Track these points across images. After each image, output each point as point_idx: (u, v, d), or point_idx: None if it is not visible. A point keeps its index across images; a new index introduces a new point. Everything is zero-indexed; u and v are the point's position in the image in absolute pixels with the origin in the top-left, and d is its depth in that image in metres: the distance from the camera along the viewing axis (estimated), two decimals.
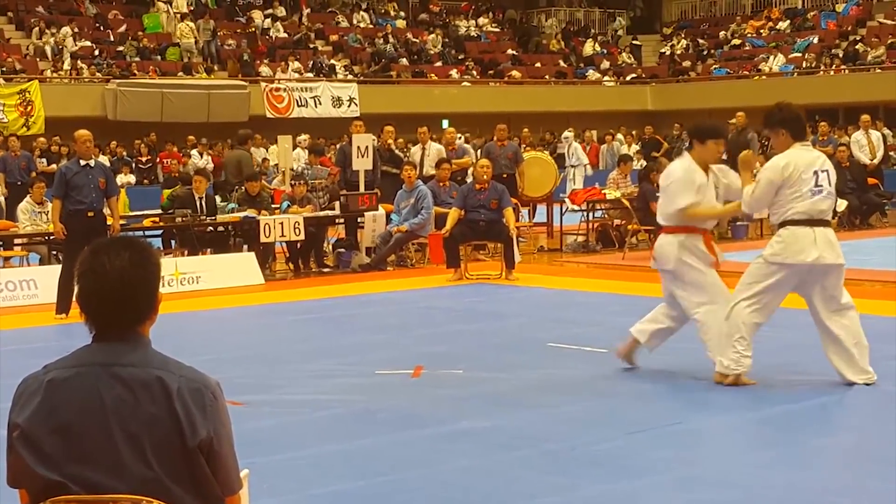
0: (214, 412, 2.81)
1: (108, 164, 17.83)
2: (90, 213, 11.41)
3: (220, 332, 10.60)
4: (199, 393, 2.81)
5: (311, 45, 32.94)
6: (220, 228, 15.01)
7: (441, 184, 15.97)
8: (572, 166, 25.57)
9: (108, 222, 11.85)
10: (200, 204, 14.76)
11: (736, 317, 7.44)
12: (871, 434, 6.59)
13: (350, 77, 31.33)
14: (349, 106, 28.99)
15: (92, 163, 11.70)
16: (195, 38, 30.62)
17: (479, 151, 20.50)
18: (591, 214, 17.55)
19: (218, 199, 15.96)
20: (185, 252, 14.40)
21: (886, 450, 6.11)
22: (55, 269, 12.06)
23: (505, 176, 16.98)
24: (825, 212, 7.41)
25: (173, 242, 14.90)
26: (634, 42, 39.56)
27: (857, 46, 32.50)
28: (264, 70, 30.52)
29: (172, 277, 13.24)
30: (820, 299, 7.41)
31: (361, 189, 15.71)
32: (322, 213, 15.58)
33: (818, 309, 7.43)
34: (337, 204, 15.71)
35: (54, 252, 14.00)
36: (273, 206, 15.65)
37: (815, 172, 7.32)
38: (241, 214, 14.85)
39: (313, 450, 6.34)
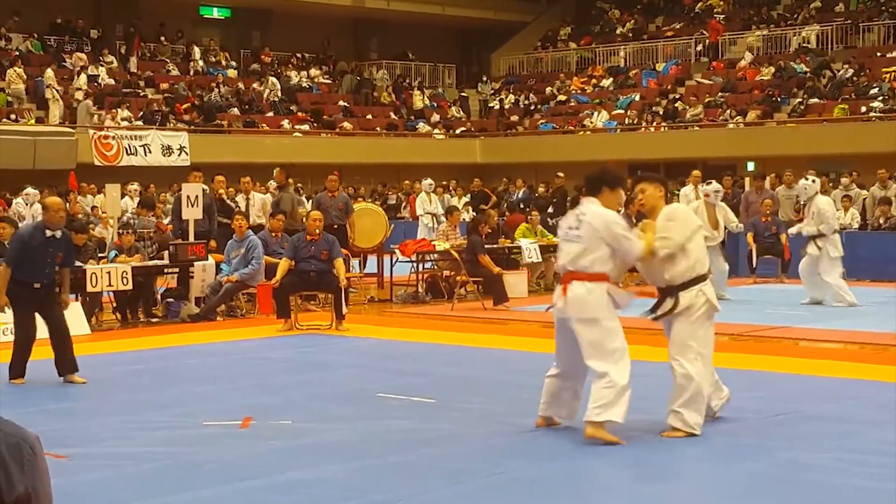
0: (33, 467, 2.79)
1: None
2: (37, 286, 10.29)
3: (44, 384, 10.35)
4: (18, 448, 2.78)
5: (142, 93, 32.55)
6: None
7: (273, 234, 15.98)
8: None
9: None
10: None
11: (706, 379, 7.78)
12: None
13: (180, 126, 31.02)
14: (179, 155, 28.65)
15: (58, 234, 10.39)
16: (24, 83, 29.97)
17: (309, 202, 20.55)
18: (420, 265, 17.76)
19: None
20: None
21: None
22: None
23: (335, 226, 17.07)
24: None
25: None
26: (463, 95, 40.29)
27: (676, 104, 33.72)
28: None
29: None
30: None
31: (191, 238, 15.60)
32: (151, 263, 15.40)
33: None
34: (166, 253, 15.55)
35: None
36: (100, 255, 15.40)
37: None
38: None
39: None
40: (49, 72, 30.37)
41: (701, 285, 7.77)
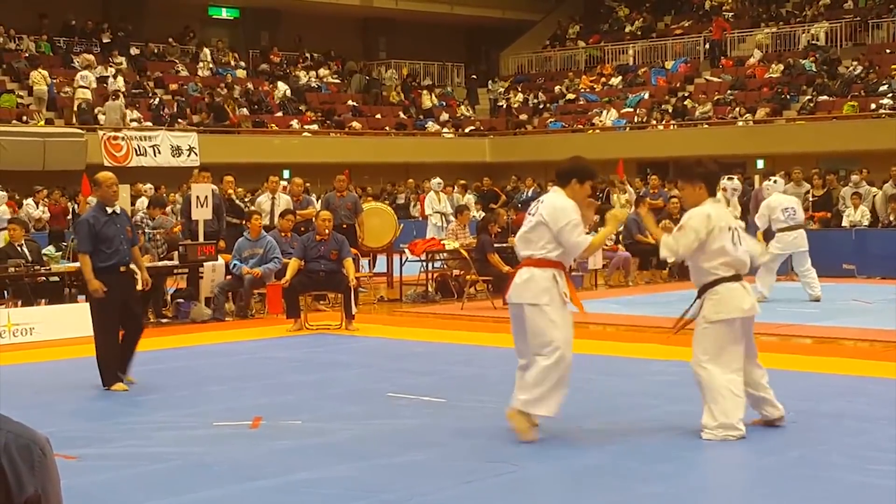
0: (42, 468, 2.79)
1: None
2: (122, 269, 9.99)
3: (55, 384, 10.38)
4: (28, 449, 2.78)
5: (151, 94, 32.60)
6: (55, 278, 14.71)
7: (283, 234, 15.99)
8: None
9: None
10: (22, 252, 14.47)
11: (720, 381, 7.51)
12: (697, 479, 6.84)
13: (189, 126, 31.07)
14: (189, 155, 28.73)
15: (118, 209, 10.17)
16: (47, 85, 30.13)
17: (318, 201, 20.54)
18: (430, 265, 17.75)
19: (52, 248, 15.64)
20: (19, 303, 14.07)
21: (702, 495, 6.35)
22: None
23: (345, 226, 17.07)
24: (743, 266, 7.74)
25: (6, 293, 14.55)
26: (473, 77, 40.38)
27: (685, 102, 33.68)
28: (103, 118, 30.06)
29: (5, 329, 12.92)
30: (748, 347, 7.70)
31: (201, 239, 15.61)
32: (160, 263, 15.42)
33: (745, 356, 7.67)
34: (176, 254, 15.57)
35: None
36: None
37: (731, 229, 7.64)
38: (77, 264, 14.56)
39: None
40: (89, 75, 30.64)
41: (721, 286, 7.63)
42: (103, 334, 10.04)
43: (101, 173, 10.41)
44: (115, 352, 10.01)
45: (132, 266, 10.32)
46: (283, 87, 35.70)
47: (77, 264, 14.48)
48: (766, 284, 16.25)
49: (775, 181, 17.31)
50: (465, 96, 40.49)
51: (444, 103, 39.11)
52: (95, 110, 30.10)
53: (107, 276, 9.87)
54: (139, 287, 10.53)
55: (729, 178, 17.53)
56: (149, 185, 25.13)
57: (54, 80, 30.82)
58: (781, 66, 33.37)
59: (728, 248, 7.55)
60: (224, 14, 39.31)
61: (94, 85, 30.85)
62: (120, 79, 31.90)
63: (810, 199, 21.75)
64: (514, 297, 7.64)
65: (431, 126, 37.02)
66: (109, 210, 10.02)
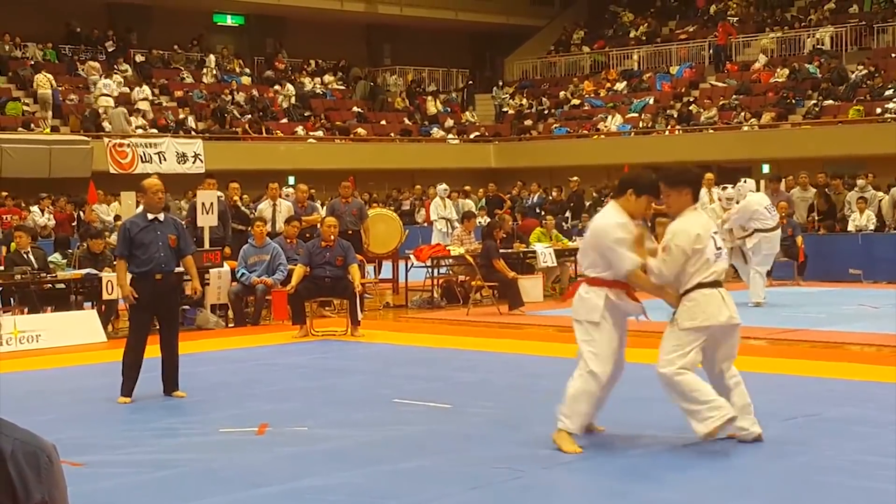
0: (49, 475, 2.79)
1: None
2: (158, 276, 9.85)
3: (61, 391, 10.39)
4: (35, 456, 2.79)
5: (157, 101, 32.66)
6: (61, 286, 14.73)
7: (288, 240, 16.00)
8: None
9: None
10: (29, 259, 14.49)
11: (680, 384, 7.45)
12: (709, 487, 6.83)
13: (194, 133, 31.12)
14: (194, 162, 28.77)
15: (161, 217, 10.02)
16: (52, 88, 30.20)
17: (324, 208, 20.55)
18: (435, 271, 17.76)
19: (58, 256, 15.66)
20: (25, 310, 14.09)
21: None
22: None
23: (350, 232, 17.07)
24: (722, 273, 7.63)
25: (12, 300, 14.57)
26: (472, 90, 40.39)
27: (690, 107, 33.65)
28: (108, 125, 30.12)
29: (11, 336, 12.92)
30: (722, 357, 7.57)
31: (206, 245, 15.62)
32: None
33: (718, 366, 7.58)
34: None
35: None
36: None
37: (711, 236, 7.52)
38: (83, 271, 14.61)
39: None
40: (111, 83, 30.74)
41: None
42: (132, 336, 10.05)
43: (148, 180, 10.33)
44: (138, 356, 9.85)
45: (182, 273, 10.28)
46: (288, 94, 35.73)
47: (82, 271, 14.59)
48: (760, 288, 16.16)
49: (745, 181, 17.09)
50: (463, 101, 40.50)
51: (449, 109, 39.14)
52: (101, 117, 30.15)
53: (142, 282, 9.85)
54: (188, 293, 10.51)
55: (723, 188, 17.46)
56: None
57: (60, 88, 30.86)
58: (786, 71, 33.34)
59: (710, 259, 7.45)
60: (229, 21, 39.38)
61: (116, 93, 30.91)
62: (146, 88, 31.99)
63: (818, 208, 21.67)
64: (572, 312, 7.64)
65: (436, 132, 37.04)
66: (151, 216, 9.92)
